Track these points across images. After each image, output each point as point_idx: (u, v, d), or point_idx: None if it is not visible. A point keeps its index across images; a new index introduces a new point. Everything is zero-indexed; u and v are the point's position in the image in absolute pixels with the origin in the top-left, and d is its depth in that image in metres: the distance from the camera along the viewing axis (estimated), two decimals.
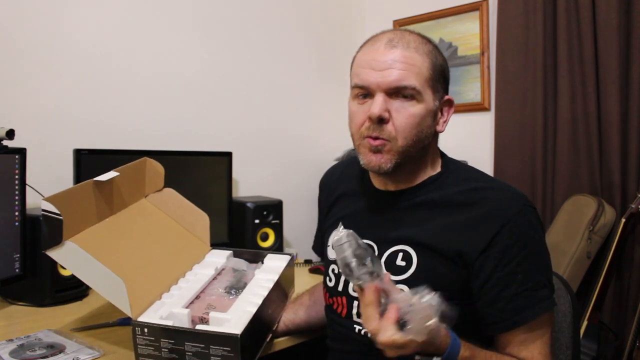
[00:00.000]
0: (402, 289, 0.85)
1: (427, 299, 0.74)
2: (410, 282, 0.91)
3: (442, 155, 1.02)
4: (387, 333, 0.75)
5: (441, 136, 1.00)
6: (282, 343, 1.12)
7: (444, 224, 0.91)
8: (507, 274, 0.86)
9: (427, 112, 0.91)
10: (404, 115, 0.89)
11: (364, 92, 0.92)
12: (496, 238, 0.86)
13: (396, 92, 0.89)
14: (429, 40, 0.94)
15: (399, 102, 0.89)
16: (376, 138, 0.90)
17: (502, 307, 0.87)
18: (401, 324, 0.75)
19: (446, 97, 0.96)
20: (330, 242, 1.06)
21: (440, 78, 0.93)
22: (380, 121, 0.89)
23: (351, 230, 0.81)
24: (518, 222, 0.87)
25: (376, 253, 0.96)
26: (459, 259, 0.89)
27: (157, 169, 1.21)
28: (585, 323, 1.72)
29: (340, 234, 0.80)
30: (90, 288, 1.40)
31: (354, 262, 0.77)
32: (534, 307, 0.86)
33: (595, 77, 1.84)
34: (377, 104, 0.88)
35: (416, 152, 0.93)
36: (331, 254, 1.08)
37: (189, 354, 0.86)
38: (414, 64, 0.89)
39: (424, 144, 0.93)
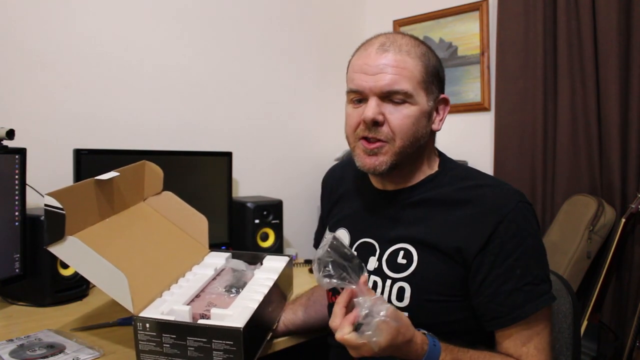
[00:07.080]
0: (377, 297, 0.84)
1: (383, 311, 0.77)
2: (412, 279, 0.92)
3: (440, 154, 1.03)
4: (342, 331, 0.80)
5: (441, 136, 1.00)
6: (282, 343, 1.12)
7: (442, 221, 0.92)
8: (506, 270, 0.87)
9: (421, 113, 0.92)
10: (398, 117, 0.91)
11: (358, 97, 0.94)
12: (493, 235, 0.87)
13: (388, 95, 0.90)
14: (421, 42, 0.95)
15: (392, 105, 0.91)
16: (374, 141, 0.92)
17: (501, 301, 0.87)
18: (357, 326, 0.79)
19: (441, 96, 0.97)
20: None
21: (433, 79, 0.94)
22: (375, 124, 0.91)
23: (336, 234, 0.84)
24: (514, 218, 0.88)
25: (377, 252, 0.98)
26: (457, 256, 0.90)
27: (156, 172, 1.21)
28: (585, 323, 1.72)
29: (325, 238, 0.84)
30: (90, 288, 1.41)
31: (330, 265, 0.82)
32: (533, 302, 0.87)
33: (595, 77, 1.84)
34: (371, 108, 0.90)
35: (413, 152, 0.94)
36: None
37: (191, 348, 0.86)
38: (406, 67, 0.90)
39: (420, 143, 0.94)
